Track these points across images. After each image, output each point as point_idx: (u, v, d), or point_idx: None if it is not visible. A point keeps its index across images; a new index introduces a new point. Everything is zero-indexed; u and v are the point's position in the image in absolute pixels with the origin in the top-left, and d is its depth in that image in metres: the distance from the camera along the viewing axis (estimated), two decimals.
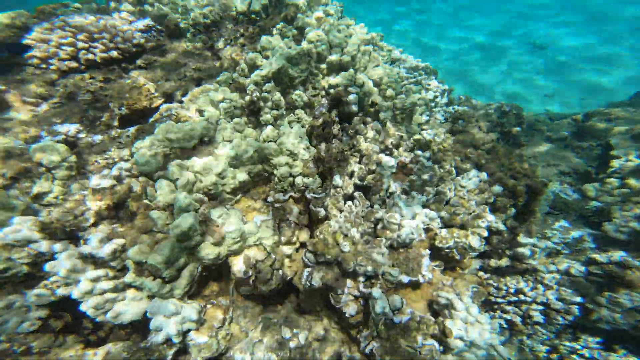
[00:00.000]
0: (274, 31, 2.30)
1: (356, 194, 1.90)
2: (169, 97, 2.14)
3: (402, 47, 3.15)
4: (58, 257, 1.21)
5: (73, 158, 1.55)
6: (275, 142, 1.82)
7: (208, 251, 1.52)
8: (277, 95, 1.88)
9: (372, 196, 1.97)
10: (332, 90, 2.01)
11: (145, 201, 1.52)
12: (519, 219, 2.47)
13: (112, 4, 2.82)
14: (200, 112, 1.89)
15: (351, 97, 1.96)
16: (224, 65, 2.25)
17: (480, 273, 2.43)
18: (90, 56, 2.08)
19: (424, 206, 2.11)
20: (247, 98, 1.83)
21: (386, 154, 2.13)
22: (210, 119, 1.78)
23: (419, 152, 2.25)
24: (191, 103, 2.07)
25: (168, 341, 1.33)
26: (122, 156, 1.73)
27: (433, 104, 2.72)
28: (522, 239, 2.35)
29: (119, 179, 1.51)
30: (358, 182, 1.95)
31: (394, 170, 2.08)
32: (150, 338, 1.31)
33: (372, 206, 1.95)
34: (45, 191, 1.37)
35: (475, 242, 2.15)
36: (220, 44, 2.37)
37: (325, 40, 2.04)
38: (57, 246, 1.23)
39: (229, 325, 1.56)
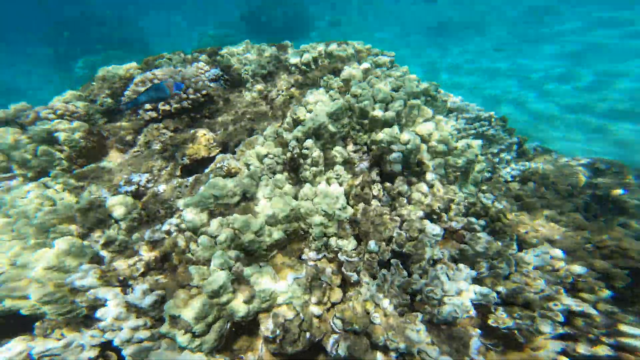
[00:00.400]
0: (321, 82, 2.34)
1: (393, 261, 1.78)
2: (225, 147, 2.33)
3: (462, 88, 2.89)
4: (108, 305, 1.41)
5: (138, 209, 1.80)
6: (311, 200, 1.83)
7: (238, 308, 1.59)
8: (317, 153, 1.89)
9: (411, 265, 1.83)
10: (374, 147, 1.94)
11: (188, 255, 1.66)
12: (624, 303, 1.99)
13: (195, 54, 3.23)
14: (247, 165, 2.01)
15: (394, 156, 1.86)
16: (276, 115, 2.36)
17: (563, 358, 2.02)
18: (167, 107, 2.40)
19: (476, 280, 1.87)
20: (288, 155, 1.88)
21: (432, 219, 1.96)
22: (254, 175, 1.88)
23: (472, 220, 2.02)
24: (242, 154, 2.22)
25: None
26: (178, 206, 1.93)
27: (497, 160, 2.41)
28: (628, 328, 1.89)
29: (168, 233, 1.68)
30: (396, 249, 1.83)
31: (439, 238, 1.91)
32: None
33: (410, 275, 1.81)
34: (112, 240, 1.61)
35: (545, 327, 1.82)
36: (273, 94, 2.51)
37: (369, 95, 1.99)
38: (110, 294, 1.42)
39: None
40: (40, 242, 1.46)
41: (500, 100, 8.15)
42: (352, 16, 17.18)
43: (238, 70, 2.79)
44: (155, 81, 2.47)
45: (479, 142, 2.26)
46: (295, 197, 1.88)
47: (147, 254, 1.59)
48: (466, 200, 2.19)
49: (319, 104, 2.02)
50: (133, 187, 1.99)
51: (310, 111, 2.08)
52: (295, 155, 1.86)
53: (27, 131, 2.20)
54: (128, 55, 12.35)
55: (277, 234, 1.75)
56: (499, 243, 1.98)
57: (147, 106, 2.43)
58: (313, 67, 2.54)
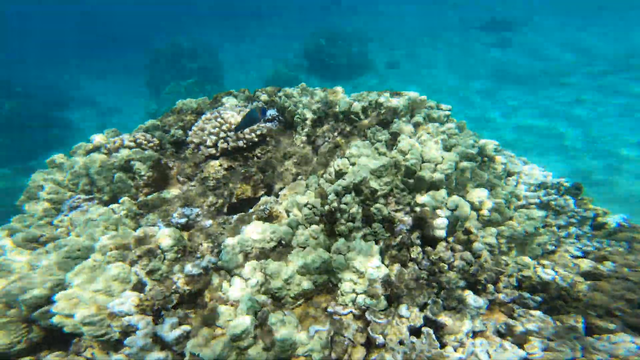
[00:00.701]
0: (368, 133, 2.36)
1: (425, 329, 1.65)
2: (270, 188, 2.44)
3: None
4: (137, 333, 1.51)
5: (184, 242, 1.94)
6: (344, 255, 1.80)
7: (257, 354, 1.59)
8: (355, 209, 1.88)
9: (445, 336, 1.68)
10: (417, 209, 1.87)
11: (220, 293, 1.74)
12: None
13: (257, 93, 3.51)
14: (287, 212, 2.08)
15: (438, 222, 1.78)
16: (320, 162, 2.43)
17: None
18: (225, 145, 2.61)
19: None
20: (327, 207, 1.90)
21: (476, 290, 1.80)
22: (292, 223, 1.93)
23: (525, 295, 1.80)
24: (285, 198, 2.30)
25: None
26: (221, 243, 2.05)
27: (565, 234, 2.14)
28: None
29: (206, 269, 1.78)
30: (430, 316, 1.69)
31: (481, 311, 1.73)
32: None
33: (443, 347, 1.66)
34: (156, 269, 1.75)
35: None
36: (319, 141, 2.59)
37: (417, 153, 1.95)
38: (141, 323, 1.52)
39: None
40: (97, 265, 1.64)
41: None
42: (416, 57, 17.16)
43: (292, 113, 2.96)
44: (220, 120, 2.72)
45: (541, 213, 2.05)
46: (329, 250, 1.88)
47: (183, 287, 1.69)
48: (520, 273, 1.97)
49: (362, 158, 2.04)
50: (184, 220, 2.17)
51: (353, 164, 2.10)
52: (333, 209, 1.88)
53: (111, 157, 2.57)
54: (207, 85, 13.93)
55: (306, 284, 1.75)
56: (559, 323, 1.74)
57: (209, 142, 2.67)
58: (362, 117, 2.59)
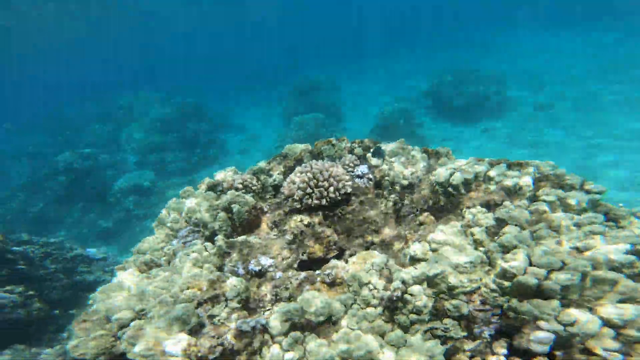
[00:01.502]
0: (466, 213, 2.03)
1: None
2: (342, 252, 2.38)
3: None
4: None
5: (248, 294, 2.07)
6: (397, 349, 1.56)
7: None
8: (422, 302, 1.62)
9: None
10: (511, 314, 1.47)
11: (258, 358, 1.75)
12: None
13: (353, 145, 3.57)
14: (349, 285, 1.97)
15: (541, 336, 1.37)
16: (400, 236, 2.23)
17: None
18: (309, 201, 2.73)
19: None
20: (388, 294, 1.71)
21: None
22: (346, 302, 1.81)
23: None
24: (353, 265, 2.20)
25: None
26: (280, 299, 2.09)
27: None
28: None
29: (254, 329, 1.84)
30: None
31: None
32: None
33: None
34: (214, 315, 1.91)
35: None
36: (405, 210, 2.39)
37: (523, 256, 1.55)
38: None
39: None
40: (172, 301, 1.90)
41: None
42: (578, 99, 14.31)
43: (383, 172, 2.86)
44: (309, 174, 2.87)
45: None
46: (383, 337, 1.66)
47: (230, 340, 1.77)
48: None
49: (446, 247, 1.76)
50: (258, 268, 2.33)
51: (434, 250, 1.84)
52: (395, 297, 1.67)
53: (220, 198, 3.03)
54: (328, 119, 15.17)
55: None
56: None
57: (295, 196, 2.82)
58: (462, 191, 2.27)
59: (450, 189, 2.25)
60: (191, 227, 2.84)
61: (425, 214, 2.25)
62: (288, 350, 1.63)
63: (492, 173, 2.11)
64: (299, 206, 2.76)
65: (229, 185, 3.28)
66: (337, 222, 2.66)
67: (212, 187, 3.36)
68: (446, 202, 2.24)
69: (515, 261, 1.53)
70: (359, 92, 21.26)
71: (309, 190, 2.74)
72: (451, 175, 2.25)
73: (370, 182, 3.09)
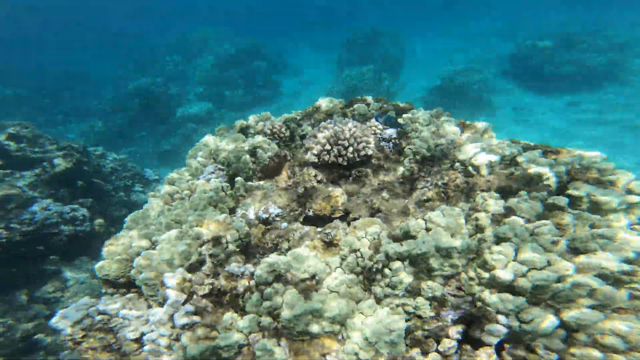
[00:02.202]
0: (478, 197, 1.88)
1: None
2: (347, 214, 2.41)
3: None
4: (164, 306, 1.89)
5: (248, 239, 2.24)
6: (365, 317, 1.64)
7: None
8: (399, 277, 1.64)
9: None
10: (479, 304, 1.45)
11: (240, 301, 1.94)
12: None
13: (386, 106, 3.37)
14: (341, 249, 2.03)
15: (493, 328, 1.34)
16: (407, 212, 2.17)
17: None
18: (327, 157, 2.72)
19: None
20: (370, 263, 1.74)
21: None
22: (333, 264, 1.89)
23: None
24: (353, 231, 2.23)
25: None
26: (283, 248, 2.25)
27: None
28: None
29: (243, 274, 2.01)
30: None
31: None
32: None
33: None
34: (216, 255, 2.12)
35: None
36: (420, 184, 2.28)
37: (509, 252, 1.45)
38: (172, 297, 1.81)
39: None
40: (181, 236, 2.13)
41: None
42: None
43: (410, 141, 2.70)
44: (331, 131, 2.81)
45: None
46: (357, 303, 1.75)
47: (218, 282, 1.96)
48: None
49: (439, 229, 1.69)
50: (266, 216, 2.48)
51: (428, 229, 1.79)
52: (375, 269, 1.70)
53: (247, 141, 3.16)
54: (384, 73, 14.17)
55: (315, 327, 1.73)
56: None
57: (314, 151, 2.82)
58: (483, 172, 2.08)
59: (470, 169, 2.07)
60: (217, 165, 3.05)
61: (436, 190, 2.13)
62: (267, 299, 1.77)
63: (520, 158, 1.88)
64: (316, 161, 2.77)
65: (259, 129, 3.38)
66: (351, 183, 2.65)
67: (243, 129, 3.49)
68: (463, 181, 2.08)
69: (500, 254, 1.44)
70: (427, 49, 19.22)
71: (327, 147, 2.72)
72: (475, 154, 2.05)
73: (396, 147, 2.96)
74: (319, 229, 2.35)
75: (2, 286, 4.66)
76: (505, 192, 1.83)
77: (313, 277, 1.86)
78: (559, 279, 1.31)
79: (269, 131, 3.32)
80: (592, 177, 1.69)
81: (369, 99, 3.60)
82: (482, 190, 1.90)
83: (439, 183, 2.18)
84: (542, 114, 12.23)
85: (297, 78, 18.67)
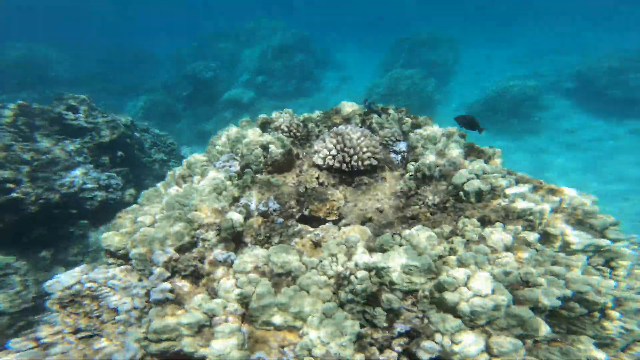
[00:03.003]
0: (459, 223, 1.89)
1: None
2: (340, 219, 2.51)
3: None
4: (149, 278, 2.13)
5: (236, 231, 2.42)
6: (326, 318, 1.75)
7: (188, 342, 1.89)
8: (362, 286, 1.72)
9: None
10: (425, 321, 1.50)
11: (215, 285, 2.10)
12: None
13: (405, 119, 3.38)
14: (323, 252, 2.14)
15: (426, 345, 1.41)
16: (389, 223, 2.22)
17: None
18: (331, 162, 2.83)
19: None
20: (338, 269, 1.84)
21: None
22: (310, 264, 2.01)
23: None
24: (339, 234, 2.32)
25: None
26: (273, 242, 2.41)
27: None
28: None
29: (225, 261, 2.18)
30: None
31: None
32: None
33: None
34: (207, 239, 2.32)
35: None
36: (412, 200, 2.30)
37: (460, 276, 1.48)
38: (155, 274, 2.09)
39: None
40: (179, 217, 2.34)
41: None
42: None
43: (415, 155, 2.72)
44: (339, 138, 2.90)
45: None
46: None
47: (202, 265, 2.12)
48: None
49: (409, 247, 1.75)
50: (264, 209, 2.65)
51: (400, 245, 1.84)
52: (343, 275, 1.80)
53: (263, 135, 3.35)
54: (430, 79, 13.75)
55: (278, 319, 1.83)
56: None
57: (320, 154, 2.93)
58: (472, 199, 2.07)
59: (461, 194, 2.07)
60: (232, 154, 3.27)
61: (425, 209, 2.15)
62: (239, 287, 1.92)
63: (509, 191, 1.86)
64: (321, 163, 2.89)
65: (277, 126, 3.55)
66: (351, 190, 2.74)
67: (263, 124, 3.69)
68: (452, 204, 2.09)
69: (453, 278, 1.48)
70: (482, 60, 18.26)
71: (333, 152, 2.82)
72: (468, 180, 2.04)
73: (403, 160, 2.99)
74: (310, 229, 2.48)
75: (30, 245, 5.04)
76: (484, 221, 1.82)
77: (289, 273, 1.99)
78: (495, 307, 1.36)
79: (286, 128, 3.49)
80: (577, 216, 1.65)
81: (391, 108, 3.63)
82: (466, 217, 1.90)
83: (430, 203, 2.20)
84: (597, 141, 11.21)
85: (339, 74, 18.75)
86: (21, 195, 5.02)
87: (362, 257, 1.79)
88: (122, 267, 2.20)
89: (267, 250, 2.07)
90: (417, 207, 2.25)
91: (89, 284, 2.03)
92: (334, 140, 2.83)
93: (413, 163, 2.58)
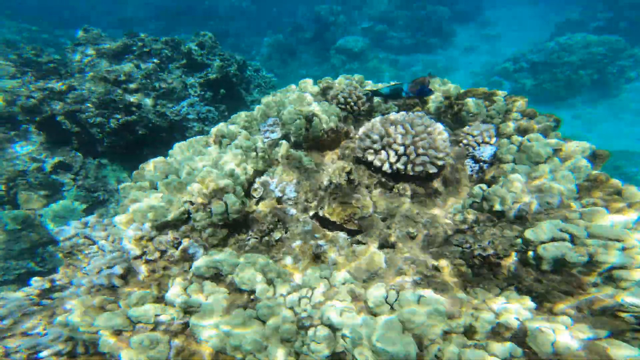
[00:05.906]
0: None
1: None
2: (358, 232, 1.95)
3: None
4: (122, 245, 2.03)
5: (235, 216, 2.12)
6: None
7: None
8: (319, 347, 1.25)
9: None
10: None
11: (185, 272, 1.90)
12: None
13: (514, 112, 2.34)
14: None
15: None
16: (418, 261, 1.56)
17: None
18: (371, 157, 2.18)
19: None
20: (304, 314, 1.39)
21: None
22: (281, 290, 1.60)
23: None
24: (341, 257, 1.80)
25: None
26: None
27: None
28: None
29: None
30: None
31: None
32: None
33: None
34: (199, 220, 2.10)
35: None
36: (455, 240, 1.54)
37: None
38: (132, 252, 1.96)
39: None
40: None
41: None
42: None
43: (496, 175, 1.85)
44: (400, 127, 2.17)
45: None
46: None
47: (171, 252, 1.87)
48: None
49: (389, 328, 1.13)
50: (280, 195, 2.27)
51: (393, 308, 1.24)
52: (302, 323, 1.33)
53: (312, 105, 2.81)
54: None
55: (215, 341, 1.56)
56: None
57: (362, 145, 2.26)
58: (546, 267, 1.21)
59: (530, 255, 1.23)
60: (277, 119, 2.90)
61: (460, 261, 1.39)
62: (188, 295, 1.66)
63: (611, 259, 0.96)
64: (360, 155, 2.26)
65: (334, 94, 2.97)
66: (385, 198, 2.09)
67: (325, 89, 3.14)
68: (509, 267, 1.27)
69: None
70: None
71: (376, 145, 2.14)
72: (553, 240, 1.17)
73: (481, 173, 2.11)
74: (316, 235, 2.02)
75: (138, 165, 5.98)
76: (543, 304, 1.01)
77: (251, 292, 1.62)
78: None
79: (342, 99, 2.88)
80: None
81: (499, 93, 2.57)
82: (518, 289, 1.11)
83: (477, 253, 1.42)
84: None
85: (482, 32, 15.44)
86: (137, 118, 5.91)
87: (331, 313, 1.27)
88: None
89: (234, 259, 1.72)
90: (455, 253, 1.50)
91: (82, 240, 2.08)
92: (382, 131, 2.13)
93: (483, 186, 1.72)
